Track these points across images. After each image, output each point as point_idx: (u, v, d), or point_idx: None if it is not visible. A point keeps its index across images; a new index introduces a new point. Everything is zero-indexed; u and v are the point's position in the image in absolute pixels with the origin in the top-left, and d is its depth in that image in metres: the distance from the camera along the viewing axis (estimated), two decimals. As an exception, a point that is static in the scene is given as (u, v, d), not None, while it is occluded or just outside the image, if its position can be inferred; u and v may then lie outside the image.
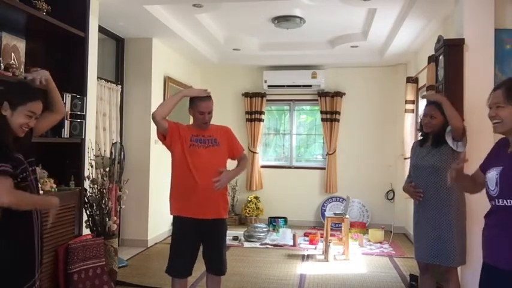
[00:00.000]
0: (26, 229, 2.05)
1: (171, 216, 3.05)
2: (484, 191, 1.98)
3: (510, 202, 1.79)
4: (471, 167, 3.25)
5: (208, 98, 2.99)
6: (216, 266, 3.03)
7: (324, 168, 7.42)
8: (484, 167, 1.99)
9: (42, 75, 2.36)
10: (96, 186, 3.97)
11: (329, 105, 7.31)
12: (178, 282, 3.00)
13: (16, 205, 1.94)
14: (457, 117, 2.88)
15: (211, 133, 3.02)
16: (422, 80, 5.34)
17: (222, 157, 3.02)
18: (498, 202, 1.84)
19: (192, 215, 2.90)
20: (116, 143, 5.02)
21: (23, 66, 3.36)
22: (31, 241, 2.07)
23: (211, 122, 3.11)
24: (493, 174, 1.87)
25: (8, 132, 2.01)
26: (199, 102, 2.95)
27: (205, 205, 2.90)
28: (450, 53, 3.66)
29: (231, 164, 3.12)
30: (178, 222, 3.01)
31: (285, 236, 6.12)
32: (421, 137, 3.17)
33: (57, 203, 2.18)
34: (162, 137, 2.98)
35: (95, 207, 3.93)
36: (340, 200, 7.28)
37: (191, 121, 3.13)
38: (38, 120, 2.16)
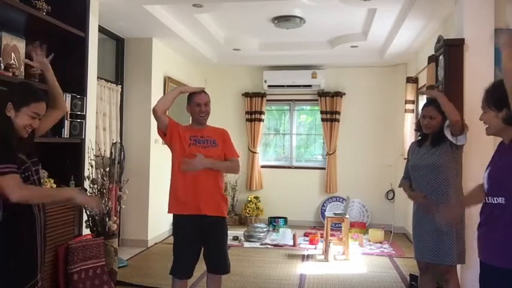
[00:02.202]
0: (29, 229, 2.06)
1: (171, 216, 3.06)
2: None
3: (496, 200, 1.84)
4: (471, 166, 3.26)
5: (204, 92, 3.07)
6: (217, 265, 3.03)
7: (324, 168, 7.42)
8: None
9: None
10: (96, 186, 3.97)
11: (329, 105, 7.31)
12: (178, 283, 3.00)
13: (28, 200, 1.98)
14: (454, 111, 2.87)
15: (209, 134, 3.04)
16: (422, 80, 5.34)
17: (220, 158, 3.03)
18: (488, 199, 1.90)
19: (191, 212, 2.91)
20: (116, 143, 5.01)
21: (23, 66, 3.36)
22: (33, 241, 2.07)
23: (210, 124, 3.13)
24: (486, 173, 1.93)
25: (12, 133, 2.02)
26: (195, 95, 3.03)
27: (203, 203, 2.90)
28: (450, 53, 3.66)
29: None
30: (177, 222, 3.02)
31: (285, 236, 6.12)
32: (419, 137, 3.17)
33: (74, 195, 2.18)
34: (162, 133, 3.01)
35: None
36: (340, 200, 7.28)
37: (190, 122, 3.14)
38: (41, 119, 2.16)
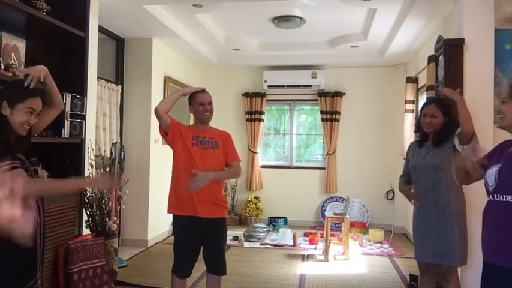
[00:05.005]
0: None
1: (171, 216, 3.05)
2: (484, 190, 2.01)
3: (506, 198, 1.84)
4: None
5: (206, 91, 3.07)
6: (217, 266, 3.04)
7: (324, 168, 7.42)
8: (483, 164, 2.02)
9: (36, 73, 2.18)
10: (96, 186, 3.97)
11: (329, 105, 7.31)
12: (178, 282, 3.00)
13: (38, 194, 1.97)
14: (470, 121, 2.82)
15: (212, 135, 3.04)
16: (422, 80, 5.34)
17: (222, 160, 3.03)
18: (495, 197, 1.90)
19: (191, 214, 2.91)
20: (116, 143, 5.02)
21: (23, 66, 3.36)
22: (33, 241, 2.07)
23: (211, 124, 3.13)
24: (493, 171, 1.92)
25: (10, 132, 2.01)
26: (197, 94, 3.03)
27: (203, 205, 2.90)
28: (450, 53, 3.65)
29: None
30: (177, 222, 3.02)
31: (285, 236, 6.12)
32: (419, 138, 3.16)
33: (82, 185, 2.14)
34: (164, 133, 3.00)
35: (95, 207, 3.93)
36: (340, 200, 7.28)
37: (191, 122, 3.15)
38: (38, 114, 2.15)
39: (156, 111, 2.94)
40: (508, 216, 1.83)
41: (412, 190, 3.06)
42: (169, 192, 3.02)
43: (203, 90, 3.07)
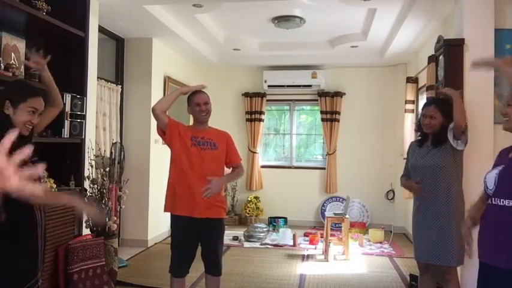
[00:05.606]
0: (30, 229, 2.06)
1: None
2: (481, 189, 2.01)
3: (503, 202, 1.84)
4: (471, 166, 3.26)
5: (202, 92, 3.07)
6: (214, 267, 3.03)
7: (324, 168, 7.42)
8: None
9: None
10: (96, 186, 3.97)
11: (329, 105, 7.31)
12: (176, 282, 3.00)
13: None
14: (463, 113, 2.86)
15: (211, 136, 3.03)
16: (422, 80, 5.34)
17: (220, 161, 3.03)
18: (494, 201, 1.89)
19: (188, 214, 2.90)
20: (116, 143, 5.02)
21: (23, 66, 3.36)
22: (35, 241, 2.08)
23: (210, 124, 3.13)
24: (492, 173, 1.92)
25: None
26: (194, 95, 3.04)
27: (201, 205, 2.89)
28: (450, 53, 3.66)
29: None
30: (174, 221, 3.02)
31: (285, 236, 6.12)
32: (420, 137, 3.16)
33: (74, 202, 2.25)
34: (162, 132, 3.00)
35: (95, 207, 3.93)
36: (340, 200, 7.28)
37: (191, 122, 3.15)
38: (41, 114, 2.16)
39: (153, 110, 2.94)
40: (507, 220, 1.83)
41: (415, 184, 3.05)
42: (167, 192, 3.02)
43: (200, 91, 3.06)
